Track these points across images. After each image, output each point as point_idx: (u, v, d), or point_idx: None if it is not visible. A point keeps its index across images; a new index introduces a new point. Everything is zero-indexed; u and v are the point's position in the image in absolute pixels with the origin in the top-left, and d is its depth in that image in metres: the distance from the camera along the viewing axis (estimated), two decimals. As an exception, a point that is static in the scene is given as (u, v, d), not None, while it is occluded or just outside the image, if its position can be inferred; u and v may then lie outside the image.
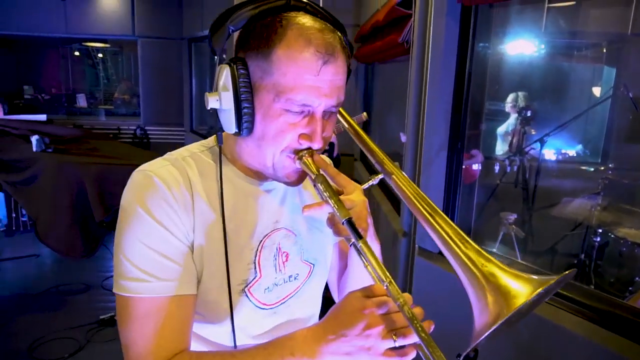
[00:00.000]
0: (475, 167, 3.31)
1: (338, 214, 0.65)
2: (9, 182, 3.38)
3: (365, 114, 2.83)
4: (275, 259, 0.80)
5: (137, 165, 0.74)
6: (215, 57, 0.73)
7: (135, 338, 0.67)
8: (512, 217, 2.41)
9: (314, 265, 0.85)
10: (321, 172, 0.71)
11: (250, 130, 0.71)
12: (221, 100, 0.70)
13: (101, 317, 3.16)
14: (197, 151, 0.78)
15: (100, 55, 9.27)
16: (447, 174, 1.99)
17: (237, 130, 0.71)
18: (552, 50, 3.95)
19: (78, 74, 9.02)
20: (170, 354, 0.67)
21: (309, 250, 0.84)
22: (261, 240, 0.78)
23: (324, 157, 0.82)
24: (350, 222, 0.64)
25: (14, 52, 7.34)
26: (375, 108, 4.37)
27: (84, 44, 8.77)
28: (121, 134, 6.60)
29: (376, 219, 3.31)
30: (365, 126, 4.54)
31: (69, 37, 7.08)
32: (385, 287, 0.61)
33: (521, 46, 3.60)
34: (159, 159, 0.75)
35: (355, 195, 0.72)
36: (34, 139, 3.24)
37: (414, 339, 0.59)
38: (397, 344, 0.59)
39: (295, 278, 0.82)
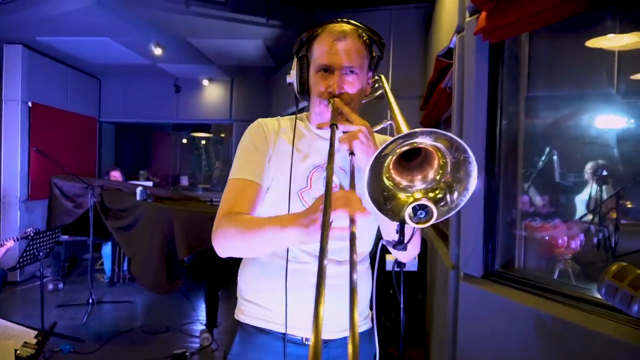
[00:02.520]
0: (561, 241, 3.22)
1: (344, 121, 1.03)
2: (115, 227, 3.97)
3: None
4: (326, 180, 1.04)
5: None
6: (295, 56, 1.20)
7: (224, 198, 1.13)
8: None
9: (361, 197, 1.07)
10: (337, 107, 1.07)
11: (308, 94, 1.18)
12: (292, 76, 1.18)
13: (174, 352, 3.44)
14: (293, 116, 1.26)
15: (203, 142, 10.55)
16: (485, 197, 2.09)
17: (299, 93, 1.18)
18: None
19: (184, 159, 10.28)
20: (232, 210, 1.09)
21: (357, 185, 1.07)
22: (316, 166, 1.17)
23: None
24: (331, 126, 0.99)
25: (134, 137, 8.70)
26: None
27: (191, 133, 10.10)
28: (213, 204, 7.32)
29: (433, 259, 3.31)
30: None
31: (178, 123, 8.30)
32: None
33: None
34: (272, 118, 1.27)
35: (355, 125, 1.01)
36: (138, 190, 3.86)
37: (360, 215, 0.78)
38: (333, 223, 0.79)
39: None
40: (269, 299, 1.16)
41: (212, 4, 4.47)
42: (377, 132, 1.20)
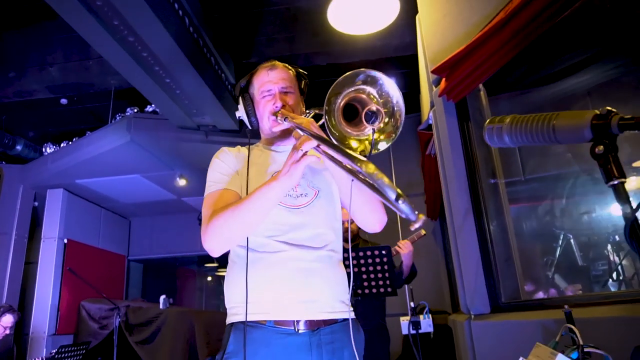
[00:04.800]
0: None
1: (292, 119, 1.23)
2: (137, 342, 4.00)
3: (423, 230, 3.18)
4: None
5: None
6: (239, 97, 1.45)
7: (207, 207, 1.27)
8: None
9: (319, 190, 1.34)
10: (286, 114, 1.28)
11: (256, 123, 1.40)
12: (241, 111, 1.43)
13: None
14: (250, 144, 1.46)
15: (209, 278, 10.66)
16: (479, 237, 2.23)
17: (249, 125, 1.40)
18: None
19: (209, 295, 10.37)
20: (219, 208, 1.23)
21: (313, 181, 1.34)
22: (275, 172, 1.29)
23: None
24: (285, 118, 1.24)
25: (160, 274, 8.96)
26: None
27: (216, 273, 10.35)
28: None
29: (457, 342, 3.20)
30: (452, 286, 4.58)
31: (203, 255, 8.61)
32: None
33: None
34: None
35: (303, 119, 1.21)
36: (161, 298, 3.98)
37: (310, 145, 1.07)
38: (303, 152, 1.09)
39: (305, 196, 1.31)
40: (254, 292, 1.21)
41: (228, 132, 5.11)
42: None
